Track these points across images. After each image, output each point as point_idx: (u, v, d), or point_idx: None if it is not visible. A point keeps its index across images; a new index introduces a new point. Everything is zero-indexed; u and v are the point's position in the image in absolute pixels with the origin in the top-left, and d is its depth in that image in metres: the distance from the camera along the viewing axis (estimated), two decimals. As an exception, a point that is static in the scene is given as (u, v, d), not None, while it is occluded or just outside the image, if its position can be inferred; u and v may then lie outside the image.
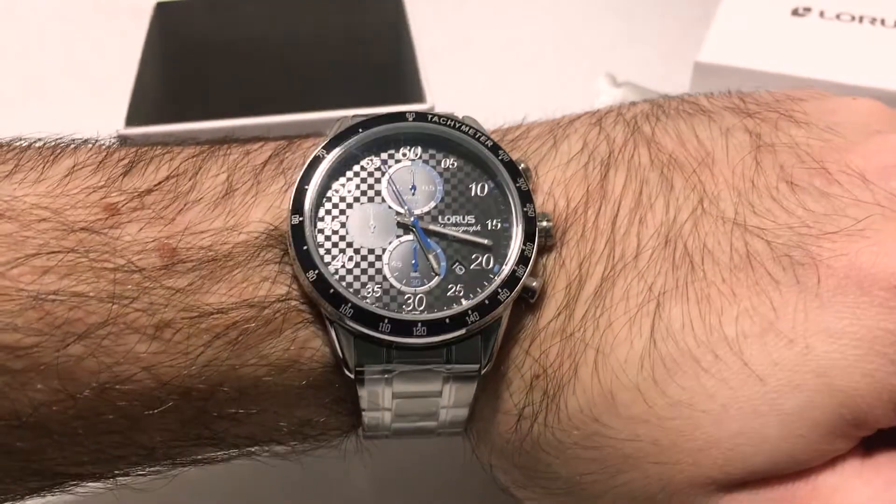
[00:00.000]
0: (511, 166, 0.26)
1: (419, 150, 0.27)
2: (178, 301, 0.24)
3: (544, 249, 0.26)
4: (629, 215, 0.26)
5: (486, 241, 0.26)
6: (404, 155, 0.27)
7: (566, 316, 0.25)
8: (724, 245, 0.25)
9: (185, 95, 0.48)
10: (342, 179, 0.26)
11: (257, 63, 0.49)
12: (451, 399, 0.26)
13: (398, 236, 0.26)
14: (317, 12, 0.49)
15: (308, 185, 0.25)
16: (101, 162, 0.25)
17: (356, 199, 0.26)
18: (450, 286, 0.25)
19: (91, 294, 0.23)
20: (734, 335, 0.23)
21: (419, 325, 0.24)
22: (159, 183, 0.25)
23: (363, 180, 0.27)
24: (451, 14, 0.70)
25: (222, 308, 0.24)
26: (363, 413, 0.26)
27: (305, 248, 0.25)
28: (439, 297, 0.25)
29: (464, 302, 0.25)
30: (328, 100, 0.40)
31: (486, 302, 0.25)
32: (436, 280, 0.25)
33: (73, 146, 0.26)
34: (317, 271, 0.24)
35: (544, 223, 0.26)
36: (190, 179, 0.25)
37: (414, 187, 0.26)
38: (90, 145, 0.26)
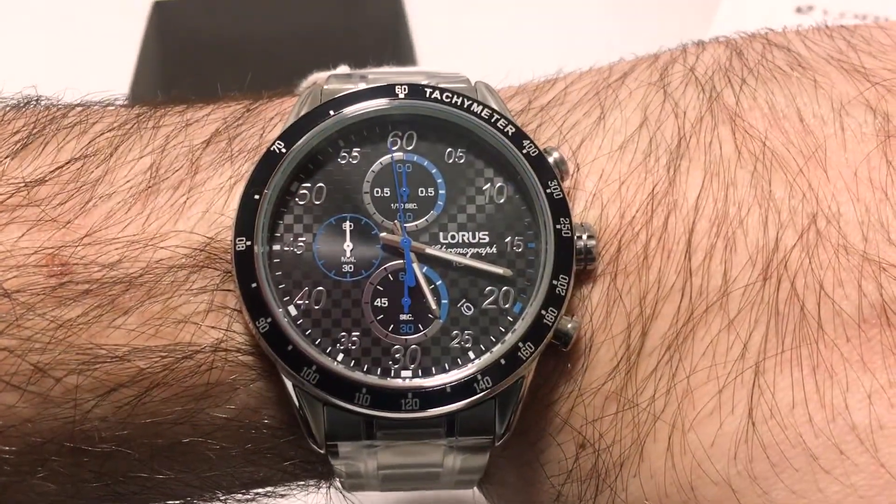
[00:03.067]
0: (541, 163, 0.19)
1: (413, 138, 0.20)
2: (64, 339, 0.16)
3: (586, 276, 0.19)
4: (710, 233, 0.18)
5: (502, 271, 0.18)
6: (393, 146, 0.20)
7: (624, 374, 0.18)
8: (850, 288, 0.17)
9: (182, 94, 0.48)
10: (308, 182, 0.19)
11: (254, 62, 0.49)
12: (455, 467, 0.20)
13: (383, 263, 0.18)
14: (317, 12, 0.49)
15: (260, 190, 0.18)
16: None
17: (326, 212, 0.19)
18: (454, 334, 0.18)
19: None
20: (866, 424, 0.16)
21: (409, 395, 0.17)
22: (58, 168, 0.18)
23: (336, 184, 0.19)
24: (450, 14, 0.70)
25: (125, 354, 0.17)
26: (340, 481, 0.20)
27: (255, 285, 0.17)
28: (438, 351, 0.18)
29: (472, 357, 0.18)
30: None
31: (503, 362, 0.18)
32: (434, 325, 0.18)
33: None
34: (269, 319, 0.17)
35: (585, 239, 0.18)
36: (101, 164, 0.18)
37: (405, 192, 0.19)
38: None
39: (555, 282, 0.18)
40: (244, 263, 0.17)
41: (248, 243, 0.17)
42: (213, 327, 0.17)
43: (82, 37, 0.71)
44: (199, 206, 0.18)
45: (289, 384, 0.17)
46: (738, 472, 0.17)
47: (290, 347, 0.17)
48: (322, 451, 0.18)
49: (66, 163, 0.18)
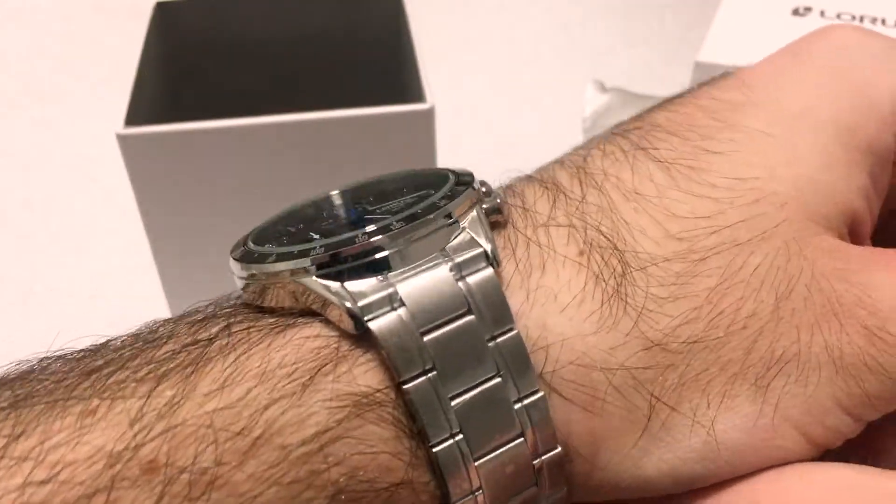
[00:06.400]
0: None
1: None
2: None
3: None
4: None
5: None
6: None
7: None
8: None
9: (185, 95, 0.48)
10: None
11: (257, 63, 0.49)
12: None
13: None
14: (317, 12, 0.49)
15: None
16: None
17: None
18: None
19: None
20: None
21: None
22: None
23: None
24: (451, 14, 0.70)
25: None
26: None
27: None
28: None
29: None
30: (328, 100, 0.40)
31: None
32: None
33: None
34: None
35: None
36: None
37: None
38: None
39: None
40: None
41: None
42: None
43: (83, 37, 0.71)
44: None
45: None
46: None
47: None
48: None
49: None
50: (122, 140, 0.36)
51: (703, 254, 0.19)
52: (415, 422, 0.17)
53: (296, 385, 0.16)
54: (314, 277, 0.18)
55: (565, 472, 0.18)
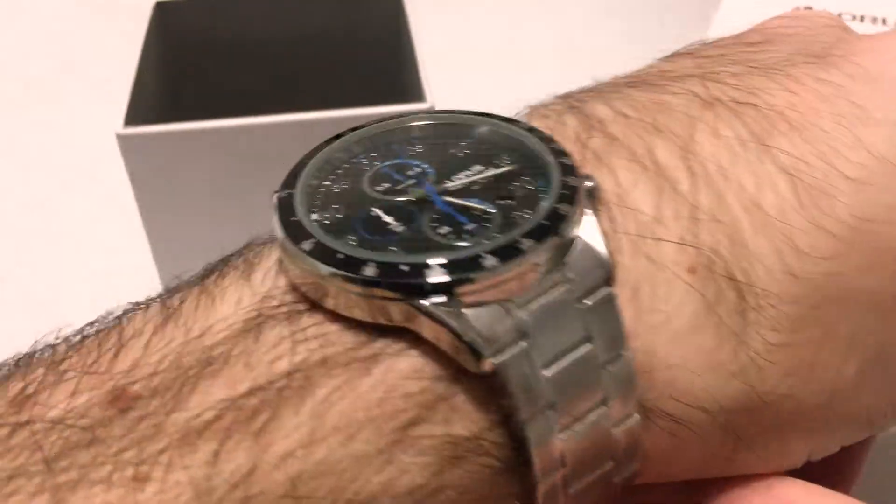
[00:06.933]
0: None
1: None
2: None
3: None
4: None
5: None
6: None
7: None
8: None
9: (185, 95, 0.48)
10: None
11: (257, 63, 0.49)
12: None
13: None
14: (317, 12, 0.49)
15: None
16: None
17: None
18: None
19: None
20: None
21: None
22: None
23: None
24: (451, 14, 0.70)
25: None
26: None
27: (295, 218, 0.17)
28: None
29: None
30: (328, 99, 0.40)
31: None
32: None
33: None
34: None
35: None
36: None
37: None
38: None
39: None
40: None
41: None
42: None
43: (83, 37, 0.71)
44: None
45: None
46: None
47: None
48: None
49: None
50: (122, 140, 0.36)
51: (817, 300, 0.17)
52: (518, 455, 0.15)
53: (386, 441, 0.14)
54: (430, 303, 0.15)
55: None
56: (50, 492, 0.12)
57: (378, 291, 0.15)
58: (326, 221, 0.17)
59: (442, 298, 0.15)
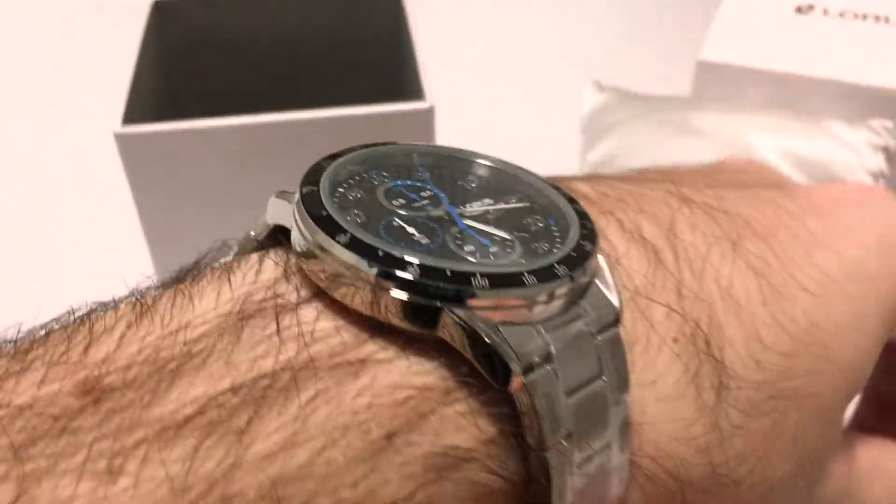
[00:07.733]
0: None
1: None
2: None
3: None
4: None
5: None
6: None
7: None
8: None
9: (183, 94, 0.48)
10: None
11: (255, 62, 0.49)
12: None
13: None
14: (317, 12, 0.49)
15: None
16: None
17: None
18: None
19: None
20: None
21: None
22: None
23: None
24: (451, 14, 0.70)
25: None
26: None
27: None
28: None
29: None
30: (327, 99, 0.40)
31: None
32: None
33: None
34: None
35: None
36: None
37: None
38: None
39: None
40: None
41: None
42: None
43: (81, 36, 0.70)
44: None
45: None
46: None
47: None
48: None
49: None
50: (120, 139, 0.36)
51: (773, 391, 0.18)
52: (517, 474, 0.15)
53: (371, 449, 0.14)
54: (467, 313, 0.15)
55: None
56: (15, 481, 0.12)
57: (411, 295, 0.15)
58: (358, 220, 0.17)
59: (482, 310, 0.15)
